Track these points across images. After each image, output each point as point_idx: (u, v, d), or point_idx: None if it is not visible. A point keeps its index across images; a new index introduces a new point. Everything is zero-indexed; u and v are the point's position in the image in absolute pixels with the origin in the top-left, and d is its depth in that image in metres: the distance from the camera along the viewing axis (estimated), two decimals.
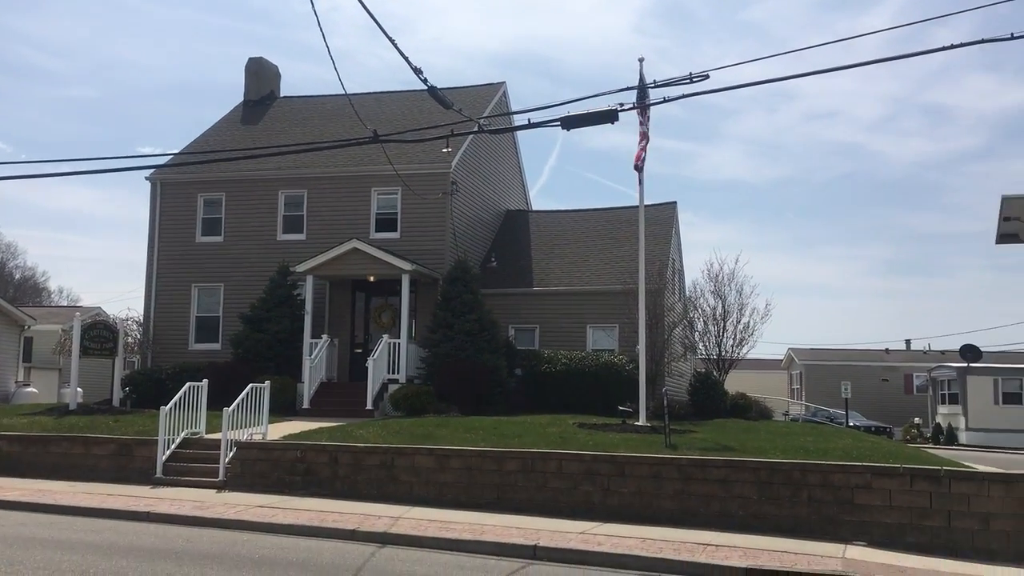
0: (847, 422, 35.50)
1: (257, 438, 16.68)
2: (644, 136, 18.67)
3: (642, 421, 18.46)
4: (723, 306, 28.48)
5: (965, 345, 35.91)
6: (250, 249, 26.97)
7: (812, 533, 12.48)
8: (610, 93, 13.37)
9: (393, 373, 23.52)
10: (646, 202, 20.31)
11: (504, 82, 30.90)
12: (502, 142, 31.41)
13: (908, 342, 55.71)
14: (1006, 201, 13.24)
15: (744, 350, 29.03)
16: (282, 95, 33.51)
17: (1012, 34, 12.65)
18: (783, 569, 10.28)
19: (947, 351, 44.97)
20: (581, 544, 11.39)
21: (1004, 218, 13.33)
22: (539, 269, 28.57)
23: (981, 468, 14.13)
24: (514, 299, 27.27)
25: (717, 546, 11.43)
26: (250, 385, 17.39)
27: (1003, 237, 13.57)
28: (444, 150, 23.02)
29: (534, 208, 35.51)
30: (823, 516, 12.70)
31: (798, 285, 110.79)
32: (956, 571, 10.74)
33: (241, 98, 32.94)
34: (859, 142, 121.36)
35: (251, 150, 23.67)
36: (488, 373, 23.13)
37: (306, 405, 22.50)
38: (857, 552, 11.52)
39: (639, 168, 18.89)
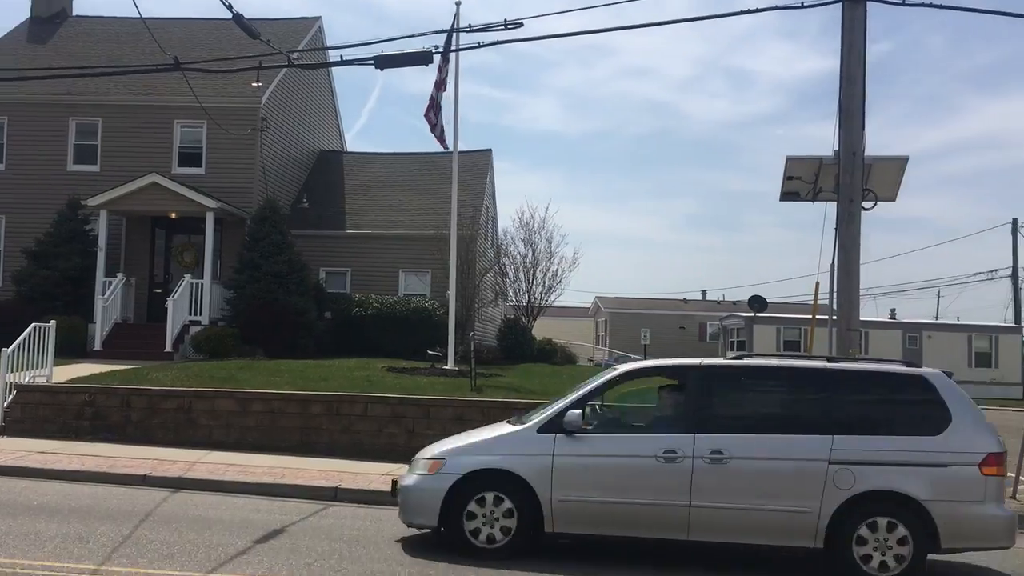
0: None
1: (40, 381, 15.66)
2: (441, 85, 18.27)
3: (450, 365, 18.72)
4: (533, 254, 29.22)
5: (752, 296, 38.50)
6: (36, 179, 24.97)
7: None
8: (427, 35, 13.34)
9: (196, 315, 22.63)
10: (461, 148, 20.36)
11: (320, 17, 29.88)
12: (317, 80, 30.49)
13: (704, 292, 59.29)
14: (790, 161, 14.21)
15: (552, 297, 29.94)
16: (75, 14, 30.97)
17: (803, 3, 13.55)
18: None
19: (738, 302, 48.12)
20: (382, 486, 11.49)
21: (787, 177, 14.30)
22: (352, 212, 28.15)
23: None
24: (326, 242, 26.80)
25: None
26: (33, 324, 16.23)
27: (786, 195, 14.57)
28: (254, 84, 22.04)
29: (350, 150, 34.82)
30: None
31: (608, 236, 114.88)
32: None
33: (28, 14, 30.23)
34: (669, 101, 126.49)
35: (38, 70, 21.78)
36: (296, 316, 22.71)
37: (98, 347, 21.31)
38: None
39: (430, 119, 18.33)
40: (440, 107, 18.54)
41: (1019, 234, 44.65)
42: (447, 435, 13.69)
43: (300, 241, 25.02)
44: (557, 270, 29.54)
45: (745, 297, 42.38)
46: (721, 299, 55.50)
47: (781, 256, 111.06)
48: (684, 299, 54.17)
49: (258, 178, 25.02)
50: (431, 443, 9.61)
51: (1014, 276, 45.04)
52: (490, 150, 31.30)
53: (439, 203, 26.80)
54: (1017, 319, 44.15)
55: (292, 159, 28.55)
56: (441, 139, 19.00)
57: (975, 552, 8.80)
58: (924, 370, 8.94)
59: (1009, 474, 14.26)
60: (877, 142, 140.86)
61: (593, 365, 36.99)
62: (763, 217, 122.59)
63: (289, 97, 27.98)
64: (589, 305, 56.72)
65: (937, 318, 55.72)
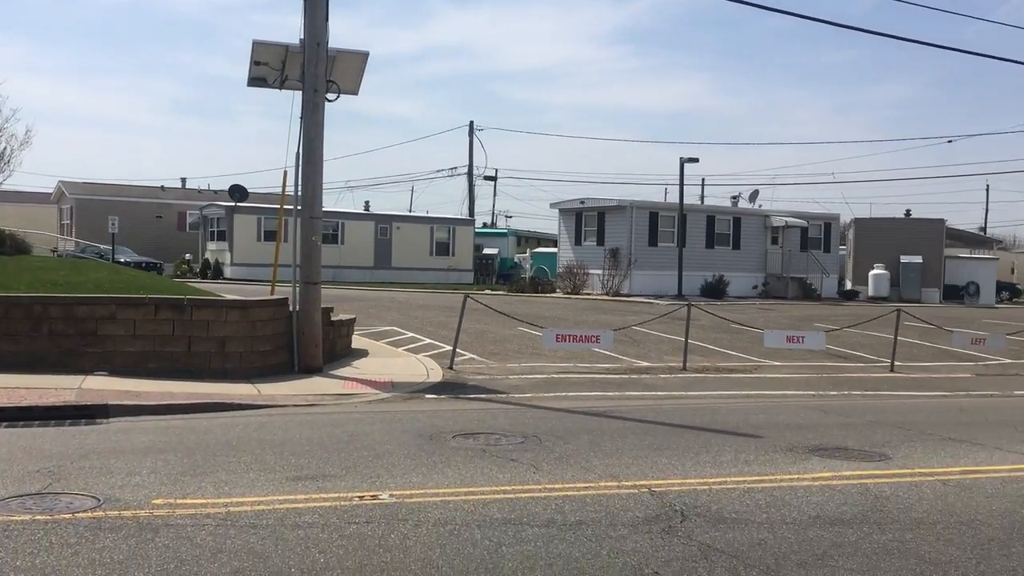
0: (114, 258, 35.08)
1: None
2: None
3: None
4: None
5: (233, 185, 37.93)
6: None
7: (54, 367, 12.07)
8: None
9: None
10: None
11: None
12: None
13: (184, 181, 56.82)
14: (257, 46, 13.98)
15: (0, 179, 26.30)
16: None
17: None
18: (11, 405, 9.79)
19: (220, 191, 46.97)
20: None
21: (255, 62, 14.09)
22: None
23: (228, 297, 15.22)
24: None
25: None
26: None
27: (253, 81, 14.36)
28: None
29: None
30: (65, 349, 12.38)
31: (76, 116, 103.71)
32: (187, 390, 11.49)
33: None
34: None
35: None
36: None
37: None
38: (96, 382, 11.54)
39: None
40: None
41: (475, 136, 49.83)
42: None
43: None
44: (6, 148, 25.95)
45: (228, 186, 41.51)
46: (203, 188, 53.72)
47: (265, 145, 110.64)
48: (162, 187, 51.40)
49: None
50: None
51: (470, 174, 50.37)
52: None
53: None
54: (471, 212, 49.59)
55: None
56: None
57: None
58: None
59: (447, 347, 16.19)
60: (358, 40, 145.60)
61: (57, 256, 33.58)
62: (248, 106, 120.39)
63: None
64: (52, 190, 51.05)
65: (411, 211, 60.33)
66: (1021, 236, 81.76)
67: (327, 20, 13.62)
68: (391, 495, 6.73)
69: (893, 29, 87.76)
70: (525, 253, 46.01)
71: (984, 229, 67.64)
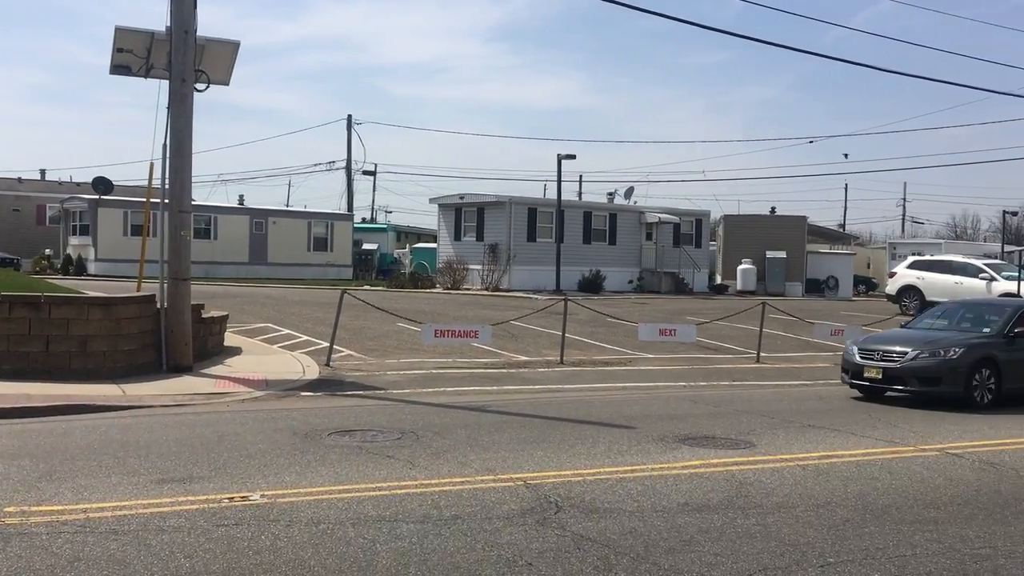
0: None
1: None
2: None
3: None
4: None
5: (97, 178, 36.11)
6: None
7: None
8: None
9: None
10: None
11: None
12: None
13: (43, 172, 53.95)
14: (119, 32, 13.36)
15: None
16: None
17: None
18: None
19: (83, 183, 44.80)
20: None
21: (117, 49, 13.45)
22: None
23: (90, 294, 14.54)
24: None
25: None
26: None
27: (116, 68, 13.71)
28: None
29: None
30: None
31: None
32: (46, 392, 10.93)
33: None
34: None
35: None
36: None
37: None
38: None
39: None
40: None
41: (353, 130, 49.16)
42: None
43: None
44: None
45: (92, 179, 39.61)
46: (64, 180, 51.12)
47: (132, 137, 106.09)
48: (19, 179, 48.65)
49: None
50: None
51: (348, 168, 49.66)
52: None
53: None
54: (350, 207, 48.94)
55: None
56: None
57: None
58: None
59: (324, 343, 15.94)
60: (232, 30, 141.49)
61: None
62: (115, 95, 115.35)
63: None
64: None
65: (288, 205, 59.02)
66: (877, 232, 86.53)
67: (195, 7, 13.18)
68: (262, 495, 6.57)
69: (759, 32, 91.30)
70: (405, 248, 45.71)
71: (843, 226, 71.27)
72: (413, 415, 10.41)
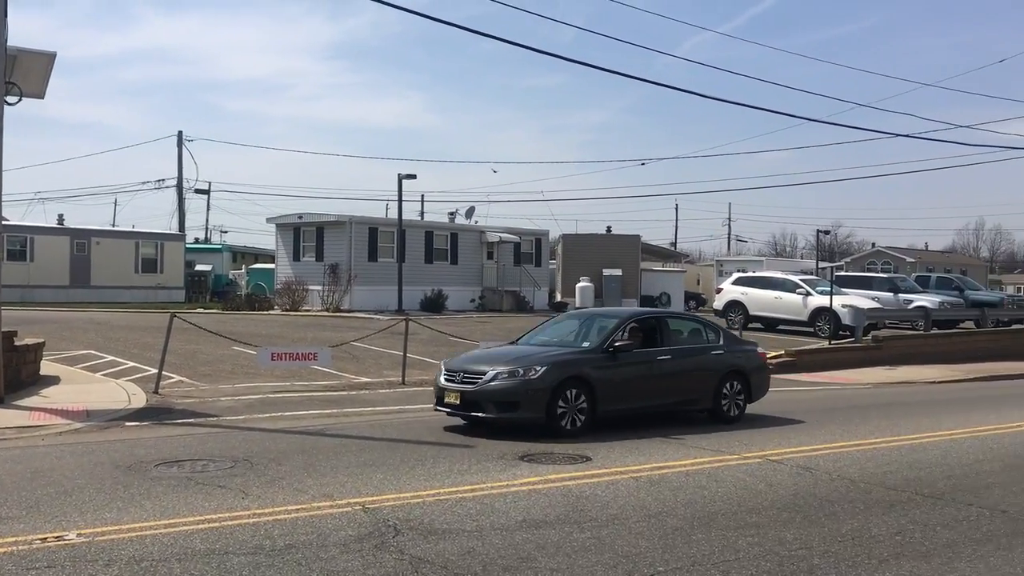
0: None
1: None
2: None
3: None
4: None
5: None
6: None
7: None
8: None
9: None
10: None
11: None
12: None
13: None
14: None
15: None
16: None
17: None
18: None
19: None
20: None
21: None
22: None
23: None
24: None
25: None
26: None
27: None
28: None
29: None
30: None
31: None
32: None
33: None
34: None
35: None
36: None
37: None
38: None
39: None
40: None
41: (184, 146, 47.32)
42: None
43: None
44: None
45: None
46: None
47: None
48: None
49: None
50: None
51: (179, 186, 47.72)
52: None
53: None
54: (182, 227, 47.00)
55: None
56: None
57: None
58: None
59: (152, 370, 15.21)
60: (53, 42, 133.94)
61: None
62: None
63: None
64: None
65: (114, 225, 56.05)
66: (706, 250, 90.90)
67: (6, 16, 12.36)
68: (79, 534, 6.17)
69: (594, 57, 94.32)
70: (241, 269, 44.28)
71: (675, 244, 74.46)
72: (248, 442, 10.06)
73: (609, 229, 46.29)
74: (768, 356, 14.38)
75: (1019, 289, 65.28)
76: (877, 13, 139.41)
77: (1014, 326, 31.10)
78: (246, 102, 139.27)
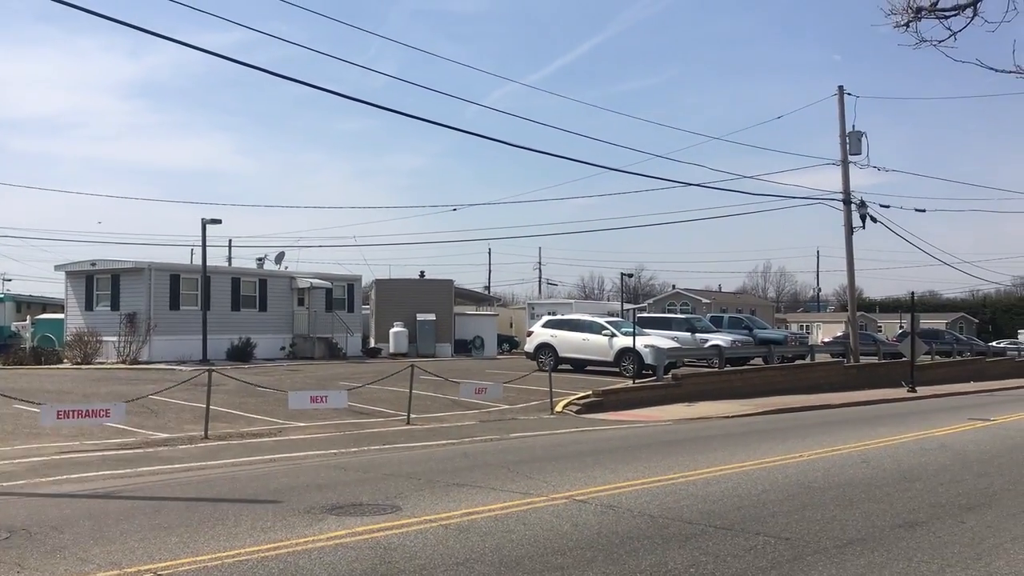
0: None
1: None
2: None
3: None
4: None
5: None
6: None
7: None
8: None
9: None
10: None
11: None
12: None
13: None
14: None
15: None
16: None
17: None
18: None
19: None
20: None
21: None
22: None
23: None
24: None
25: None
26: None
27: None
28: None
29: None
30: None
31: None
32: None
33: None
34: None
35: None
36: None
37: None
38: None
39: None
40: None
41: None
42: None
43: None
44: None
45: None
46: None
47: None
48: None
49: None
50: None
51: None
52: None
53: None
54: None
55: None
56: None
57: None
58: None
59: None
60: None
61: None
62: None
63: None
64: None
65: None
66: (518, 293, 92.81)
67: None
68: None
69: (407, 103, 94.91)
70: (26, 320, 41.09)
71: (488, 288, 75.60)
72: (27, 509, 9.26)
73: (423, 274, 46.46)
74: (577, 396, 14.87)
75: (801, 327, 70.62)
76: (675, 67, 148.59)
77: (797, 361, 33.59)
78: (35, 141, 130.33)
